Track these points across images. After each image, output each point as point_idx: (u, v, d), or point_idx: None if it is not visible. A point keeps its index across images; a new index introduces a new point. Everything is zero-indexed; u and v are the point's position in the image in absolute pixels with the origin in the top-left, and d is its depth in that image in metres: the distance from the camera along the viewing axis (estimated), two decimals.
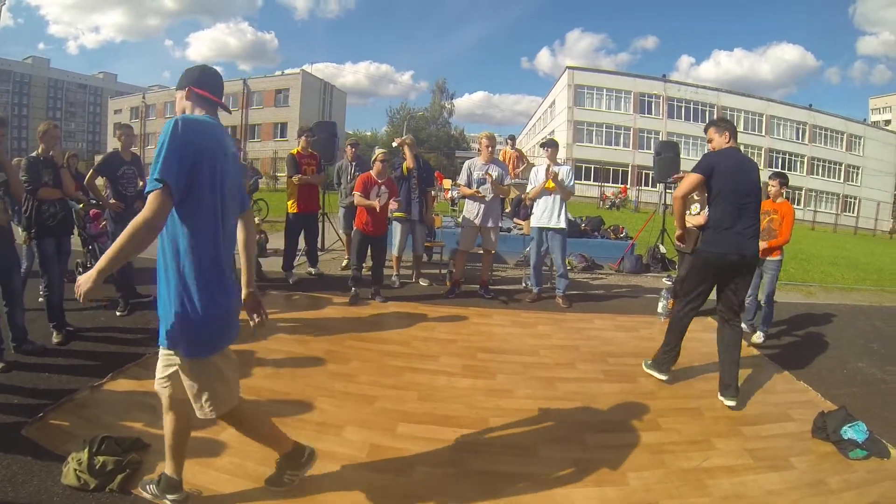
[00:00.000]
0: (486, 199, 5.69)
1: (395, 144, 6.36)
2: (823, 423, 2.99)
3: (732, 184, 3.40)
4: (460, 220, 6.45)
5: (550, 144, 5.89)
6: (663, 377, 3.70)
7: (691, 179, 3.52)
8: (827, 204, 37.51)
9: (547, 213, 5.60)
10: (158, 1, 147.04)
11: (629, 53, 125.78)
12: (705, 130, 3.77)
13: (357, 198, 5.33)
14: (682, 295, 3.75)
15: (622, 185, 32.80)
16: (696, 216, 5.34)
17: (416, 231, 6.29)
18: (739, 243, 3.39)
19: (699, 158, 3.69)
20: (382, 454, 2.59)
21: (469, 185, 5.79)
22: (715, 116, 35.21)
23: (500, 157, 9.97)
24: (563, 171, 5.65)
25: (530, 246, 6.01)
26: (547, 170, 5.51)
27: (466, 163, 5.99)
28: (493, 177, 5.68)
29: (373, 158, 5.56)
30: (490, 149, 5.83)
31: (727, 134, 3.54)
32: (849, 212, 37.24)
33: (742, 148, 3.67)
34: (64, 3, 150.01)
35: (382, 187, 5.35)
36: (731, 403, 3.36)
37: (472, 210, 5.80)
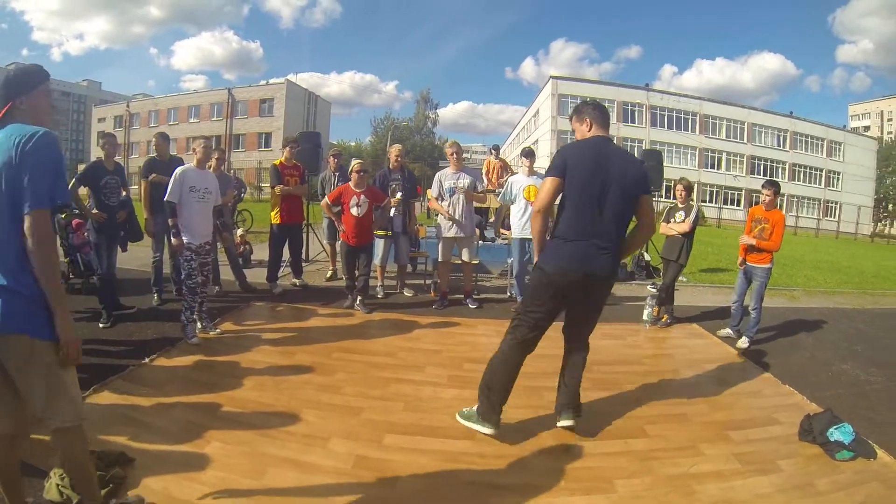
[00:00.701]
0: (456, 215, 5.66)
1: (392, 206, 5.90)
2: (810, 426, 3.01)
3: (585, 182, 2.65)
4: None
5: (527, 154, 5.90)
6: (488, 430, 2.81)
7: (547, 186, 2.75)
8: (809, 209, 38.15)
9: (528, 224, 5.59)
10: (144, 9, 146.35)
11: (612, 63, 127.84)
12: (570, 120, 3.03)
13: (323, 201, 5.61)
14: (516, 315, 2.97)
15: None
16: (681, 223, 5.39)
17: (400, 242, 6.25)
18: (585, 258, 2.66)
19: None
20: (369, 466, 2.55)
21: (441, 196, 5.76)
22: (697, 123, 36.18)
23: (485, 167, 9.98)
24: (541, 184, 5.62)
25: (512, 256, 5.99)
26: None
27: (437, 175, 5.96)
28: (466, 185, 5.68)
29: (350, 169, 5.56)
30: (455, 156, 5.81)
31: (588, 121, 2.82)
32: (830, 216, 37.96)
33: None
34: (48, 9, 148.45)
35: (363, 197, 5.33)
36: (569, 423, 2.95)
37: (445, 221, 5.76)
